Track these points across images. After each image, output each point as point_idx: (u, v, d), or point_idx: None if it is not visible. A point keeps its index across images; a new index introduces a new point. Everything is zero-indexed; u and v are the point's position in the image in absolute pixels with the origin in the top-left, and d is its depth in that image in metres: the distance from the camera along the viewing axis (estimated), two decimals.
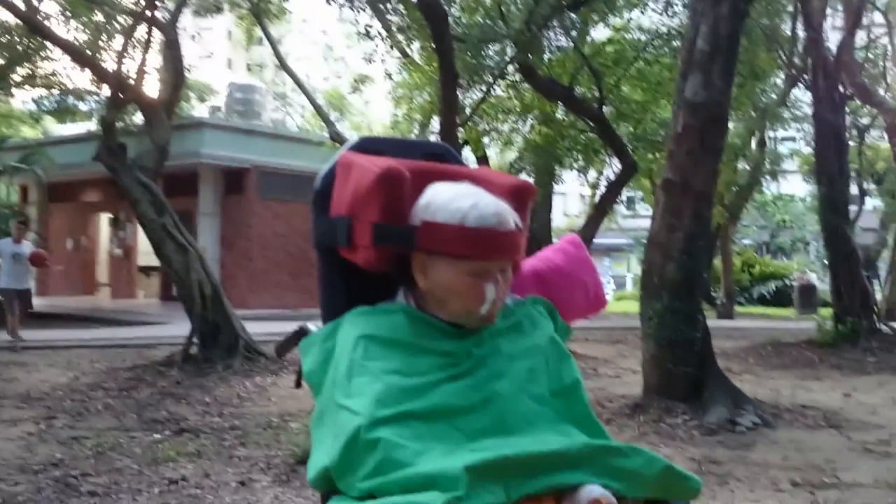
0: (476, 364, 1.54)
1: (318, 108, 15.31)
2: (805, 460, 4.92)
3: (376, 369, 1.49)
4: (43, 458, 4.85)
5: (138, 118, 13.13)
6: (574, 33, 11.31)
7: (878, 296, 12.58)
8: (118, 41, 10.53)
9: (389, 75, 12.93)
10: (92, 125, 18.03)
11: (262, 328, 11.56)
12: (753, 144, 17.84)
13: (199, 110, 24.32)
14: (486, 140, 14.59)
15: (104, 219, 22.27)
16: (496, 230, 1.52)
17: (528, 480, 1.37)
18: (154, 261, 15.52)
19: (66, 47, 10.05)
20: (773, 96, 15.95)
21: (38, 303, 19.40)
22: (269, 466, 4.67)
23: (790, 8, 12.95)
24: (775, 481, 4.43)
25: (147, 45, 10.16)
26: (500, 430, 1.46)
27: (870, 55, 16.08)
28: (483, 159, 13.82)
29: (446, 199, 1.55)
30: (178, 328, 12.30)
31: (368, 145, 1.87)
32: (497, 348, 1.58)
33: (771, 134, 19.05)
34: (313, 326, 1.75)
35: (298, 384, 1.77)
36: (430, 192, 1.61)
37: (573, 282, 1.90)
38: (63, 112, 17.62)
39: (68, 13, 10.84)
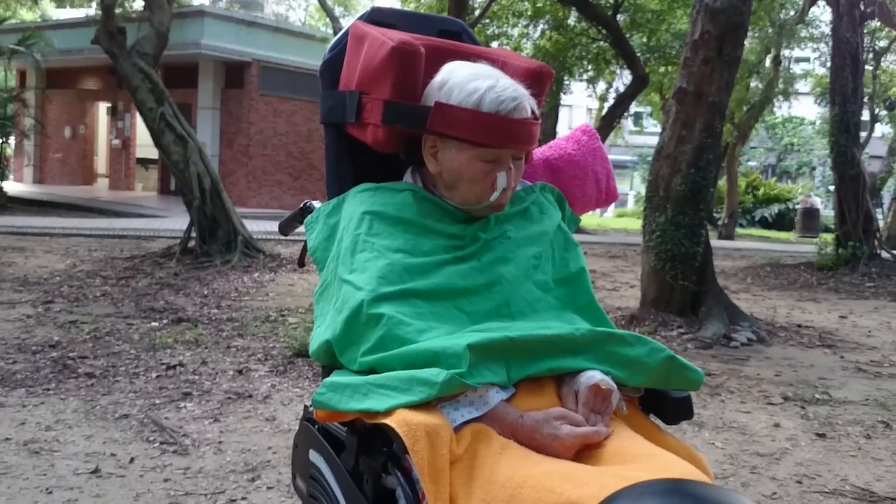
0: (482, 248, 1.50)
1: (322, 2, 14.86)
2: (797, 377, 4.97)
3: (381, 246, 1.45)
4: (41, 340, 4.88)
5: (138, 4, 12.78)
6: None
7: (881, 223, 12.50)
8: None
9: None
10: (91, 10, 17.54)
11: (260, 227, 11.57)
12: (767, 62, 17.47)
13: None
14: (494, 45, 14.27)
15: (103, 108, 21.97)
16: (512, 118, 1.45)
17: (530, 363, 1.35)
18: (152, 153, 15.41)
19: None
20: (792, 12, 15.53)
21: (35, 190, 19.43)
22: (267, 357, 4.70)
23: None
24: (767, 395, 4.47)
25: None
26: (503, 314, 1.44)
27: None
28: None
29: (463, 79, 1.48)
30: (176, 222, 12.29)
31: (380, 17, 1.78)
32: (504, 233, 1.54)
33: (786, 53, 18.61)
34: (317, 203, 1.69)
35: (302, 263, 1.72)
36: (447, 69, 1.53)
37: (584, 171, 1.84)
38: None
39: None
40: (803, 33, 17.29)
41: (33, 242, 9.83)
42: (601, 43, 13.30)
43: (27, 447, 3.12)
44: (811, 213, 21.80)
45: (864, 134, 14.42)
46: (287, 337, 5.09)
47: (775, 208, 25.56)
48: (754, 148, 32.70)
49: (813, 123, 31.78)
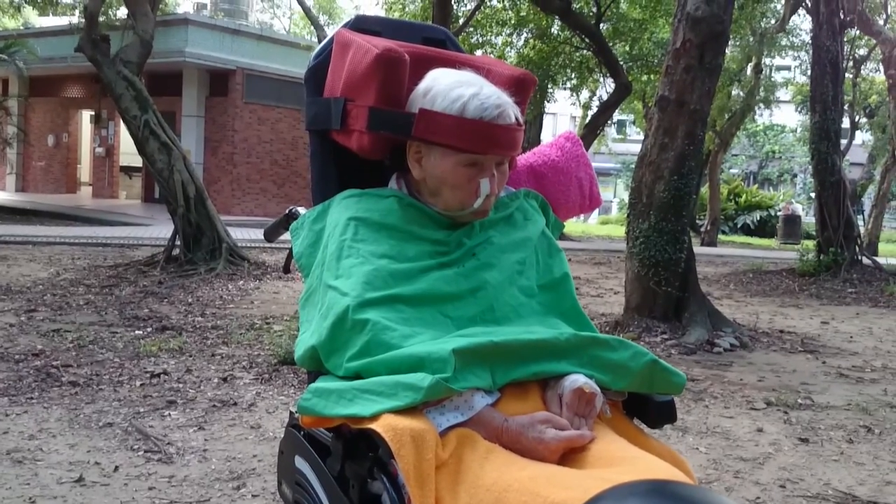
0: (466, 254, 1.51)
1: (306, 11, 14.89)
2: (780, 382, 5.00)
3: (366, 252, 1.46)
4: (24, 349, 4.84)
5: (122, 12, 12.75)
6: None
7: (862, 230, 12.60)
8: None
9: None
10: (74, 18, 17.47)
11: (245, 234, 11.55)
12: (749, 70, 17.63)
13: (183, 6, 23.64)
14: (478, 53, 14.33)
15: (86, 116, 21.86)
16: (495, 124, 1.46)
17: (514, 367, 1.36)
18: (136, 161, 15.34)
19: None
20: (773, 21, 15.69)
21: (18, 198, 19.28)
22: (252, 365, 4.69)
23: None
24: (750, 400, 4.50)
25: None
26: (487, 319, 1.45)
27: None
28: None
29: (447, 86, 1.49)
30: (161, 230, 12.23)
31: (365, 25, 1.79)
32: (488, 239, 1.55)
33: (767, 61, 18.80)
34: (302, 209, 1.70)
35: (287, 269, 1.73)
36: (431, 77, 1.54)
37: (568, 178, 1.86)
38: (44, 3, 17.02)
39: None
40: (784, 42, 17.47)
41: (16, 251, 9.76)
42: (584, 52, 13.38)
43: (10, 456, 3.10)
44: (793, 220, 21.96)
45: (844, 141, 14.57)
46: (272, 344, 5.08)
47: (757, 215, 25.75)
48: (736, 155, 32.95)
49: (794, 131, 32.08)
